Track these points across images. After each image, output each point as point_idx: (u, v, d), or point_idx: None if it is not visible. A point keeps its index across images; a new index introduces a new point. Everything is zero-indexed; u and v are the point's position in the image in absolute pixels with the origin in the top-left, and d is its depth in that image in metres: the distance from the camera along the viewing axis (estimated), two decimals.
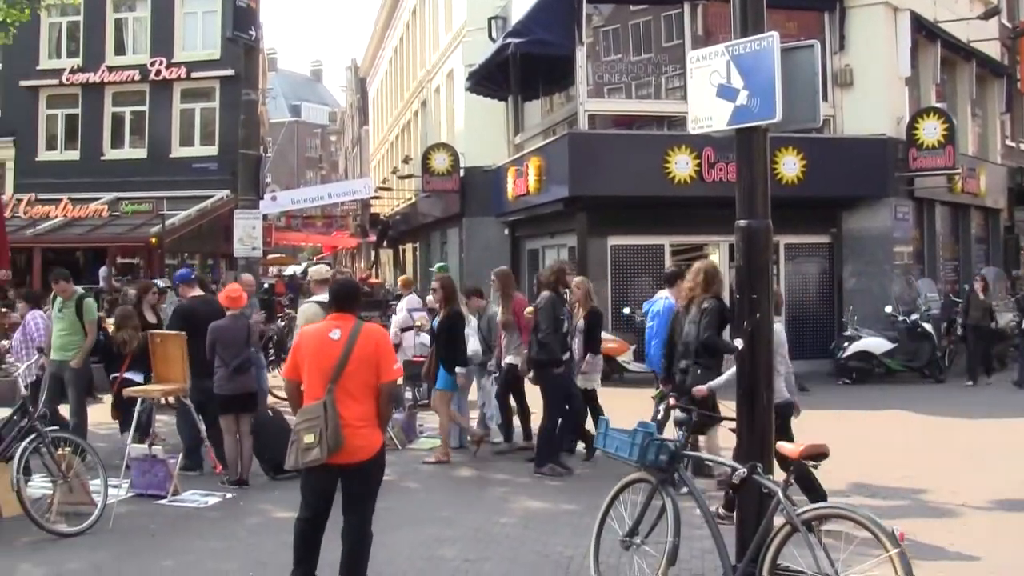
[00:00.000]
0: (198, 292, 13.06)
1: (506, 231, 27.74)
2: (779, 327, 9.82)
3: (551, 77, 25.60)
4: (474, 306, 14.01)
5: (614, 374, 20.54)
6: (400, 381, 12.38)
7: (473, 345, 13.47)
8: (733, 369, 7.99)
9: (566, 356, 12.35)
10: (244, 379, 11.46)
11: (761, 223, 7.03)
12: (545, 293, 12.40)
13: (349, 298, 7.46)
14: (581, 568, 8.05)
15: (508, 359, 13.30)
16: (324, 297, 11.95)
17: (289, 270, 54.59)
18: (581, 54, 22.52)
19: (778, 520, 6.34)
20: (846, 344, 21.03)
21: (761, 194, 7.06)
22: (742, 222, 7.07)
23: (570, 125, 23.55)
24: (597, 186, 21.09)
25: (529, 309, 13.20)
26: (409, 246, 46.23)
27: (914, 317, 21.57)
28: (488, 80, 26.73)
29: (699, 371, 10.32)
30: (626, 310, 21.23)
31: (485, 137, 28.32)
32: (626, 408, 11.52)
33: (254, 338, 12.03)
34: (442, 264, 17.80)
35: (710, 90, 7.22)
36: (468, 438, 13.58)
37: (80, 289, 13.01)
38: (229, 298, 11.68)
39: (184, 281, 13.43)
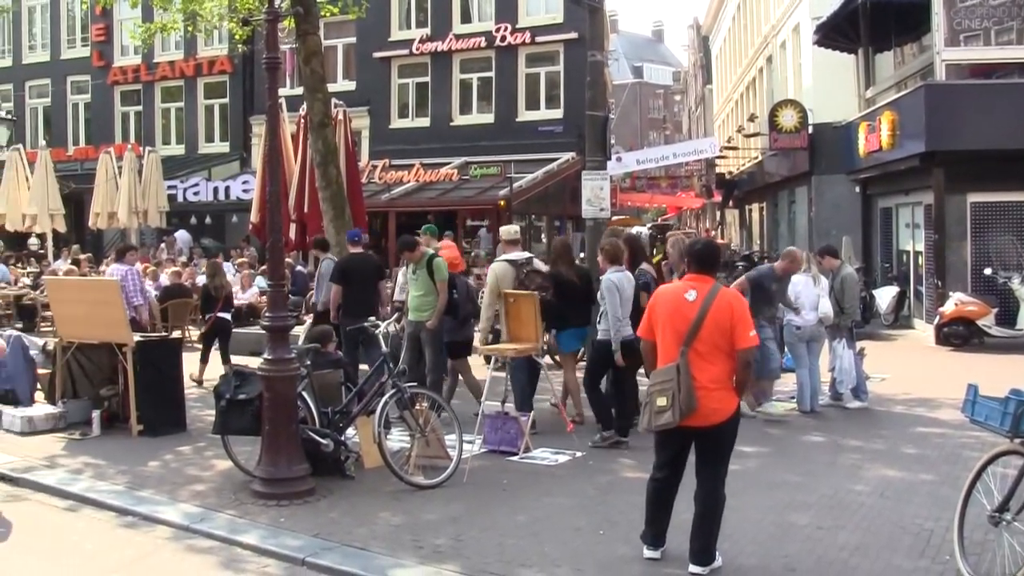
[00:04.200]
0: (358, 250, 14.44)
1: (857, 189, 26.97)
2: (617, 276, 11.11)
3: (904, 26, 24.50)
4: (827, 266, 13.61)
5: (973, 339, 19.53)
6: None
7: (824, 306, 13.08)
8: None
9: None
10: (466, 329, 13.19)
11: None
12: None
13: (708, 259, 7.32)
14: (942, 543, 7.63)
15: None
16: (514, 256, 12.64)
17: (634, 231, 54.82)
18: (937, 0, 21.39)
19: None
20: None
21: None
22: None
23: (924, 77, 22.52)
24: (956, 140, 20.09)
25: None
26: (755, 206, 45.61)
27: None
28: (836, 32, 25.94)
29: None
30: (987, 271, 20.14)
31: (834, 92, 27.55)
32: (991, 374, 10.90)
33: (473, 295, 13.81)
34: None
35: None
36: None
37: (430, 250, 13.38)
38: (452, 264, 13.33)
39: (349, 240, 14.95)
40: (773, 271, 13.22)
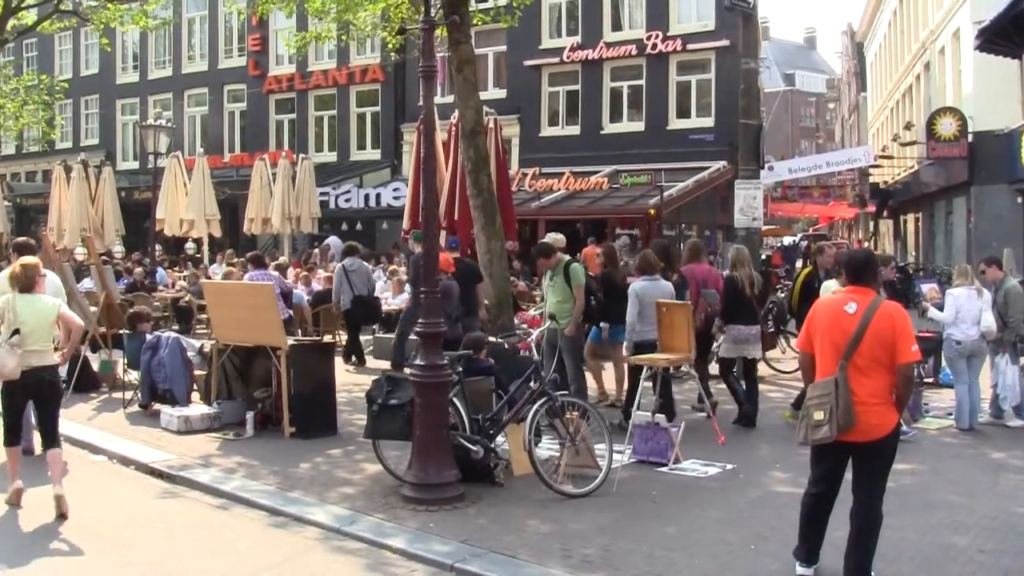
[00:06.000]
0: (456, 255, 15.27)
1: (1019, 199, 26.16)
2: (641, 285, 12.01)
3: None
4: (991, 278, 13.15)
5: None
6: None
7: (987, 320, 12.63)
8: None
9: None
10: (455, 329, 12.75)
11: None
12: None
13: (866, 270, 7.12)
14: None
15: None
16: None
17: (786, 241, 54.23)
18: None
19: None
20: None
21: None
22: None
23: None
24: None
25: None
26: (911, 216, 44.68)
27: None
28: (1000, 37, 25.13)
29: None
30: None
31: (996, 99, 26.86)
32: None
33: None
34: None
35: None
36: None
37: (567, 257, 13.35)
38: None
39: (448, 247, 15.81)
40: None
